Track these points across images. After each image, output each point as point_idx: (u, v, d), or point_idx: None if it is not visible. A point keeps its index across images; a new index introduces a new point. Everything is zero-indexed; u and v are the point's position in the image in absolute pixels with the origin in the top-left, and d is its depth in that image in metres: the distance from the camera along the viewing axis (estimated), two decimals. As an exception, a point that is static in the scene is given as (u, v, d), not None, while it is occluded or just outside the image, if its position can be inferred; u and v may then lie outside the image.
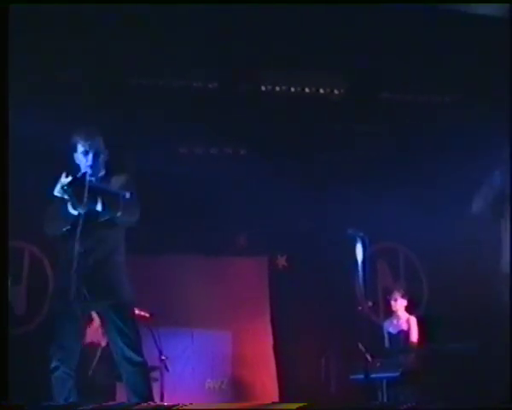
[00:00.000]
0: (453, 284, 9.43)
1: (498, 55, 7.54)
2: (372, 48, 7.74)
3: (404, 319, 9.03)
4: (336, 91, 8.77)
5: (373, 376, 7.38)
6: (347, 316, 8.12)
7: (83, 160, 5.33)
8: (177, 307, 9.24)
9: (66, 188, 5.08)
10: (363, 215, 8.38)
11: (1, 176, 4.88)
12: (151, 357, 7.01)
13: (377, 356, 7.89)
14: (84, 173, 5.19)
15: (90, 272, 5.12)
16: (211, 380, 9.53)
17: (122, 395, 7.69)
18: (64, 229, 5.15)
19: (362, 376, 7.19)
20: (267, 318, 9.93)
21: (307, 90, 8.74)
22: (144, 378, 5.33)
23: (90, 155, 5.31)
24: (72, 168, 5.34)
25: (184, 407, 4.61)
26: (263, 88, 8.71)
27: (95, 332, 7.93)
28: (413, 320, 8.99)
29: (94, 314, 6.90)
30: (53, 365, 5.13)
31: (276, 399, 9.30)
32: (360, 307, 7.44)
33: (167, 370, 7.86)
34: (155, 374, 7.65)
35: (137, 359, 5.24)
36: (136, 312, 5.74)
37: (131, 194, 5.22)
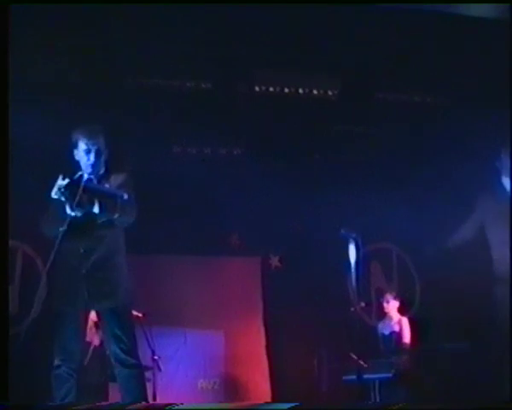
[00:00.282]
0: (446, 285, 9.45)
1: (495, 55, 7.56)
2: (367, 48, 7.75)
3: (396, 320, 9.06)
4: (330, 92, 8.77)
5: (365, 376, 7.40)
6: (340, 317, 8.14)
7: (84, 158, 5.33)
8: (169, 307, 9.24)
9: (63, 190, 5.07)
10: (357, 216, 8.40)
11: (1, 175, 4.88)
12: (144, 357, 7.00)
13: (370, 357, 7.91)
14: (81, 175, 5.19)
15: (90, 273, 5.13)
16: (203, 380, 9.54)
17: (115, 394, 7.71)
18: (60, 229, 5.14)
19: (354, 376, 7.21)
20: (260, 318, 9.95)
21: (301, 90, 8.74)
22: (138, 380, 5.35)
23: (92, 154, 5.31)
24: (71, 166, 5.35)
25: (177, 408, 4.61)
26: (256, 88, 8.70)
27: (88, 331, 7.92)
28: (405, 321, 9.01)
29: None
30: (55, 363, 5.14)
31: (269, 399, 9.31)
32: (353, 308, 7.46)
33: (160, 370, 7.87)
34: (148, 374, 7.65)
35: (132, 361, 5.26)
36: (130, 312, 5.76)
37: (129, 195, 5.22)
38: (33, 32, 6.95)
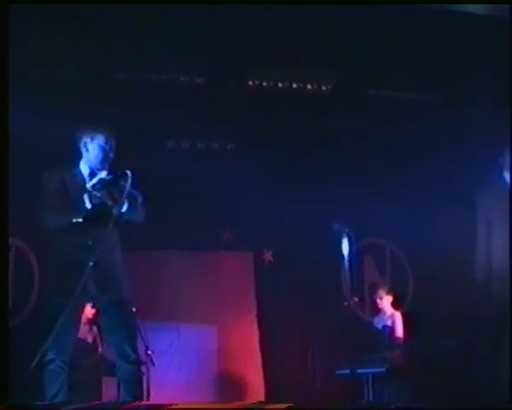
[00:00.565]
0: (439, 280, 9.48)
1: (492, 51, 7.58)
2: (361, 44, 7.75)
3: (389, 314, 9.08)
4: (324, 87, 8.77)
5: (359, 371, 7.42)
6: (333, 311, 8.14)
7: (98, 154, 5.35)
8: (163, 302, 9.24)
9: (106, 186, 5.12)
10: (350, 211, 8.39)
11: (2, 174, 4.88)
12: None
13: (363, 352, 7.93)
14: (125, 174, 5.18)
15: (97, 266, 5.14)
16: (197, 375, 9.54)
17: (108, 390, 7.72)
18: (74, 220, 5.17)
19: (347, 371, 7.23)
20: (253, 313, 9.95)
21: (295, 85, 8.74)
22: (138, 375, 5.37)
23: (107, 151, 5.37)
24: (70, 161, 5.39)
25: (175, 407, 4.61)
26: (250, 83, 8.69)
27: (82, 327, 7.92)
28: (398, 316, 9.03)
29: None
30: (49, 357, 5.10)
31: (262, 393, 9.33)
32: (346, 303, 7.47)
33: (153, 365, 7.86)
34: (142, 369, 7.65)
35: (135, 356, 5.28)
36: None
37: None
38: (33, 31, 6.94)
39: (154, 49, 7.78)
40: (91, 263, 5.11)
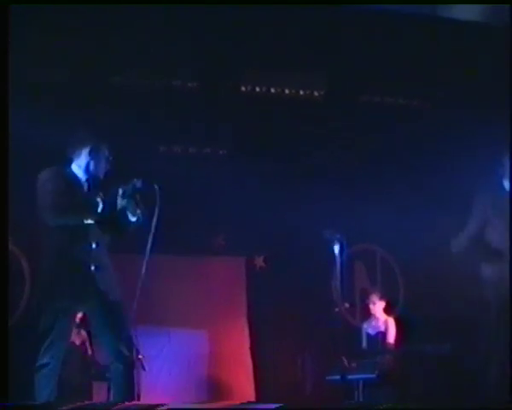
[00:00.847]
0: (430, 285, 9.50)
1: (481, 58, 7.62)
2: (353, 49, 7.78)
3: (381, 320, 9.09)
4: (316, 93, 8.78)
5: (349, 377, 7.42)
6: (324, 317, 8.16)
7: (102, 164, 5.41)
8: (154, 307, 9.22)
9: (137, 194, 5.19)
10: (341, 217, 8.41)
11: (2, 176, 4.89)
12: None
13: (354, 358, 7.93)
14: (154, 187, 5.27)
15: (98, 269, 5.19)
16: (187, 379, 9.53)
17: (98, 394, 7.71)
18: (84, 222, 5.19)
19: (338, 377, 7.23)
20: (244, 318, 9.95)
21: (287, 91, 8.75)
22: (131, 378, 5.37)
23: (108, 162, 5.43)
24: (65, 165, 5.40)
25: (166, 408, 4.61)
26: (243, 88, 8.70)
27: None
28: (391, 322, 9.04)
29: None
30: (43, 361, 5.08)
31: (253, 398, 9.32)
32: (337, 309, 7.49)
33: (144, 369, 7.84)
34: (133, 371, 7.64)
35: (131, 358, 5.29)
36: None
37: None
38: (33, 31, 6.94)
39: (147, 54, 7.79)
40: (93, 267, 5.14)
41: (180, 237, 9.47)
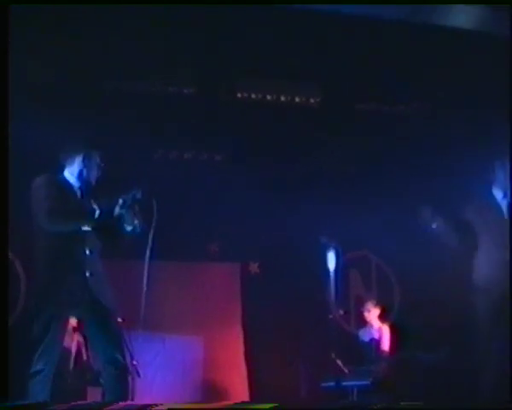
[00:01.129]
0: (425, 293, 9.50)
1: (474, 66, 7.65)
2: (349, 58, 7.80)
3: (376, 327, 9.10)
4: (312, 100, 8.81)
5: (344, 383, 7.42)
6: (319, 324, 8.16)
7: (94, 171, 5.47)
8: (149, 313, 9.20)
9: (136, 205, 5.22)
10: (337, 224, 8.42)
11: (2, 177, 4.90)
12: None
13: (348, 365, 7.94)
14: (152, 198, 5.30)
15: (92, 275, 5.23)
16: (181, 385, 9.51)
17: (92, 399, 7.68)
18: (83, 228, 5.19)
19: (333, 383, 7.24)
20: (239, 324, 9.94)
21: (283, 98, 8.77)
22: (126, 383, 5.38)
23: (99, 169, 5.47)
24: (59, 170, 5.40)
25: (158, 407, 4.62)
26: (239, 95, 8.72)
27: (66, 336, 7.88)
28: (385, 329, 9.05)
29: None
30: (37, 368, 5.09)
31: (247, 403, 9.32)
32: (331, 315, 7.49)
33: (138, 375, 7.83)
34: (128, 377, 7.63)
35: (125, 364, 5.30)
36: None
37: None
38: (33, 32, 6.95)
39: (142, 60, 7.80)
40: (88, 273, 5.15)
41: (175, 242, 9.44)
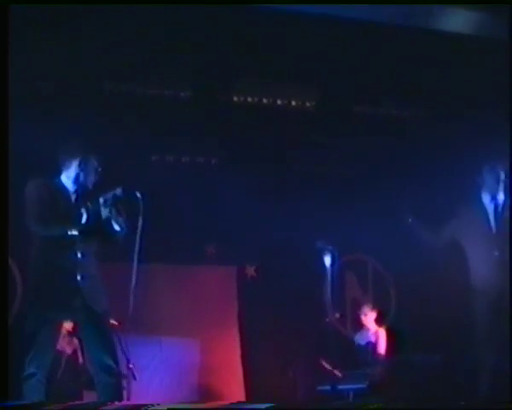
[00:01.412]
0: (421, 296, 9.50)
1: (469, 70, 7.66)
2: (346, 60, 7.81)
3: (373, 331, 9.10)
4: (308, 103, 8.82)
5: (340, 387, 7.42)
6: (315, 327, 8.15)
7: (91, 175, 5.45)
8: (145, 316, 9.20)
9: (119, 203, 5.17)
10: (333, 227, 8.42)
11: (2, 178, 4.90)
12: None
13: (344, 368, 7.93)
14: (136, 196, 5.24)
15: (84, 279, 5.21)
16: (178, 388, 9.50)
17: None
18: (69, 233, 5.18)
19: (328, 387, 7.23)
20: (235, 327, 9.93)
21: (279, 101, 8.78)
22: (118, 389, 5.38)
23: (96, 174, 5.46)
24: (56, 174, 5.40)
25: (154, 408, 4.62)
26: (235, 98, 8.73)
27: (61, 339, 7.88)
28: (382, 332, 9.05)
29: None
30: (29, 371, 5.09)
31: (244, 404, 9.30)
32: (328, 319, 7.49)
33: (135, 378, 7.82)
34: (123, 382, 7.61)
35: (117, 370, 5.30)
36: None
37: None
38: (33, 32, 6.95)
39: (139, 63, 7.80)
40: (79, 277, 5.13)
41: (171, 245, 9.45)
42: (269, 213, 9.37)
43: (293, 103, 8.81)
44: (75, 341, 8.11)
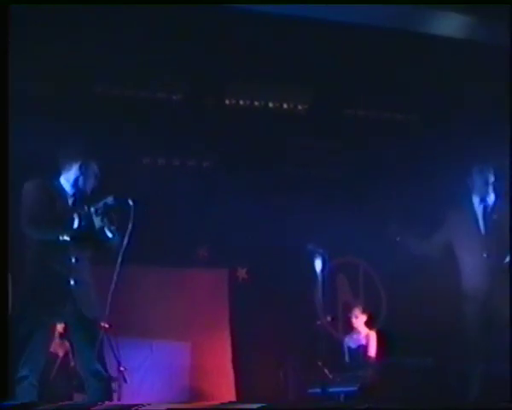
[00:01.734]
0: (412, 299, 9.52)
1: (462, 74, 7.70)
2: (338, 64, 7.83)
3: (363, 333, 9.11)
4: (300, 106, 8.84)
5: (330, 390, 7.43)
6: (306, 330, 8.16)
7: (91, 181, 5.44)
8: (136, 318, 9.20)
9: (111, 211, 5.17)
10: (324, 230, 8.43)
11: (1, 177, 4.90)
12: (109, 368, 6.97)
13: (335, 371, 7.94)
14: (128, 203, 5.21)
15: (77, 284, 5.20)
16: (169, 391, 9.50)
17: (79, 405, 7.66)
18: (61, 238, 5.18)
19: (319, 390, 7.24)
20: (227, 330, 9.93)
21: (271, 104, 8.80)
22: (108, 393, 5.38)
23: (96, 179, 5.44)
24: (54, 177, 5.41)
25: (145, 408, 4.63)
26: (227, 101, 8.74)
27: (54, 342, 7.87)
28: (373, 335, 9.07)
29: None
30: (21, 374, 5.08)
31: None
32: (319, 322, 7.50)
33: (125, 381, 7.82)
34: (113, 385, 7.60)
35: (106, 374, 5.29)
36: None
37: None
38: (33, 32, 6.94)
39: (131, 66, 7.80)
40: (73, 282, 5.13)
41: (163, 248, 9.45)
42: (260, 216, 9.38)
43: (285, 106, 8.83)
44: (67, 344, 8.11)
